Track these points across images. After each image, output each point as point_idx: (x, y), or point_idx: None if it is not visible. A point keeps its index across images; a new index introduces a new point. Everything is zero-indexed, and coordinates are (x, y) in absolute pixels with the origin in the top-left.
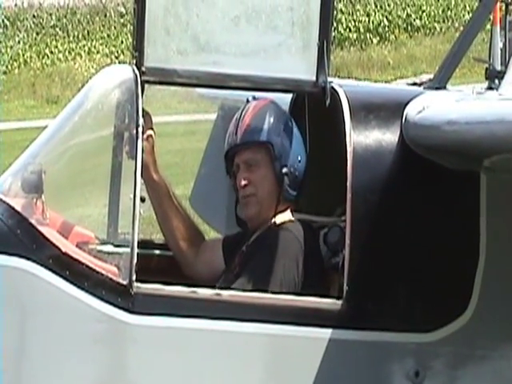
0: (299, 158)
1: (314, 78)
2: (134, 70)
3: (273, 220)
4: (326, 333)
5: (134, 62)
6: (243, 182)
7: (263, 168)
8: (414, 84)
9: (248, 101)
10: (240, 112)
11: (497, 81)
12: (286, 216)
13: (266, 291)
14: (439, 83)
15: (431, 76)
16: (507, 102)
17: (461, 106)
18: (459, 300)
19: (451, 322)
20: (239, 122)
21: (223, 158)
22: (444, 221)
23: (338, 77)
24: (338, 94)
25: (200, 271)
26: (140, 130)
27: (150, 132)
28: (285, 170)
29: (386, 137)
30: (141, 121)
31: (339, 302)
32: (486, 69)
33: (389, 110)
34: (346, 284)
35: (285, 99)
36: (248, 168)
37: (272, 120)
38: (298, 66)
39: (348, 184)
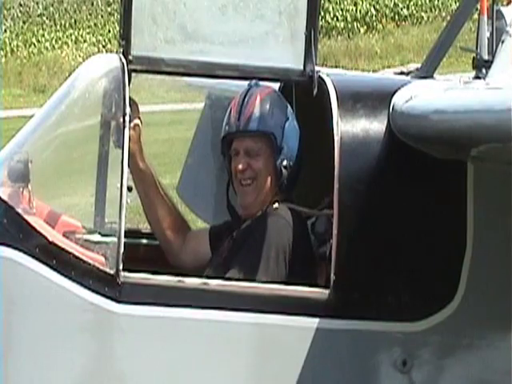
0: (297, 152)
1: (301, 67)
2: (120, 59)
3: (267, 210)
4: (314, 322)
5: (121, 50)
6: (242, 166)
7: (263, 158)
8: (402, 73)
9: (250, 86)
10: (242, 96)
11: (484, 70)
12: (278, 206)
13: (258, 276)
14: (426, 72)
15: (418, 65)
16: (494, 91)
17: (448, 95)
18: (446, 289)
19: (438, 311)
20: (242, 107)
21: (210, 147)
22: (431, 210)
23: (325, 66)
24: (325, 83)
25: (186, 260)
26: (127, 119)
27: (136, 121)
28: (285, 162)
29: (373, 126)
30: (128, 110)
31: (326, 292)
32: (474, 58)
33: (376, 100)
34: (333, 273)
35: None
36: (248, 155)
37: (276, 111)
38: (286, 54)
39: (335, 173)
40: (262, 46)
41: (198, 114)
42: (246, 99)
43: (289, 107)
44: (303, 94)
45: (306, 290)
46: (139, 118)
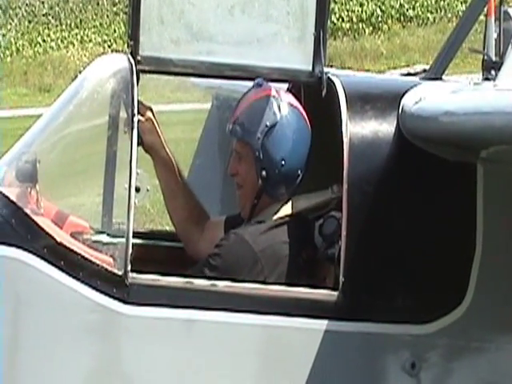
0: (283, 162)
1: (310, 68)
2: (129, 59)
3: (256, 216)
4: (322, 324)
5: (129, 50)
6: (231, 171)
7: (247, 164)
8: (409, 74)
9: (256, 85)
10: (240, 98)
11: (493, 71)
12: (270, 211)
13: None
14: (435, 74)
15: (424, 66)
16: (504, 92)
17: (458, 96)
18: (455, 292)
19: (447, 313)
20: (236, 108)
21: (217, 148)
22: (440, 212)
23: (331, 67)
24: (334, 84)
25: (202, 249)
26: (135, 119)
27: (148, 113)
28: (263, 173)
29: (382, 127)
30: (136, 110)
31: (335, 293)
32: (483, 59)
33: (385, 101)
34: (341, 275)
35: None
36: (237, 158)
37: (260, 118)
38: (294, 55)
39: (344, 175)
40: (270, 46)
41: (204, 114)
42: (239, 101)
43: (282, 112)
44: (312, 95)
45: (314, 292)
46: (150, 110)
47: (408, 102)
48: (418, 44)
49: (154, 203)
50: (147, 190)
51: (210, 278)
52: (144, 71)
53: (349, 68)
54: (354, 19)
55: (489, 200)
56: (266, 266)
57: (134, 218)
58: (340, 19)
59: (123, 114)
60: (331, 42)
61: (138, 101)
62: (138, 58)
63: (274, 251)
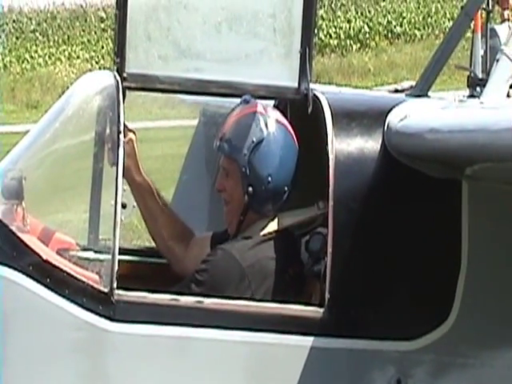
0: (269, 179)
1: (296, 85)
2: (115, 76)
3: (242, 232)
4: (309, 340)
5: (116, 67)
6: (218, 186)
7: (234, 180)
8: (396, 91)
9: (242, 101)
10: (227, 114)
11: (478, 88)
12: (257, 227)
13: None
14: (421, 91)
15: (412, 83)
16: (489, 110)
17: (443, 114)
18: (441, 308)
19: (433, 329)
20: (222, 125)
21: (204, 164)
22: (426, 228)
23: (319, 83)
24: (320, 101)
25: (188, 266)
26: (121, 136)
27: (130, 135)
28: (250, 189)
29: (368, 144)
30: (122, 127)
31: (321, 310)
32: (468, 76)
33: (371, 118)
34: (327, 292)
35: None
36: (224, 174)
37: (247, 135)
38: (280, 72)
39: (330, 191)
40: (256, 63)
41: (192, 130)
42: (226, 118)
43: (269, 129)
44: (298, 112)
45: (301, 309)
46: (133, 132)
47: (393, 119)
48: (406, 61)
49: (142, 219)
50: (133, 207)
51: (197, 294)
52: (130, 88)
53: (336, 84)
54: (342, 36)
55: (474, 216)
56: (253, 281)
57: (120, 235)
58: (327, 36)
59: (109, 131)
60: (319, 59)
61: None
62: (124, 75)
63: (261, 267)
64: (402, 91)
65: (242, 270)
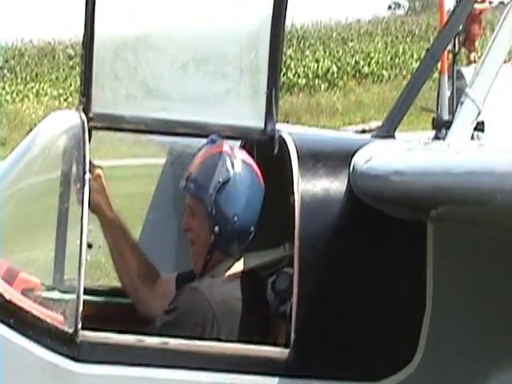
0: (236, 218)
1: (262, 126)
2: (81, 116)
3: (208, 272)
4: (274, 381)
5: (82, 107)
6: (183, 226)
7: (200, 220)
8: (363, 131)
9: (209, 141)
10: (194, 154)
11: (444, 130)
12: (223, 267)
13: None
14: (387, 131)
15: (379, 123)
16: (453, 153)
17: (408, 156)
18: (406, 349)
19: (398, 371)
20: (189, 165)
21: (172, 203)
22: (391, 270)
23: (287, 122)
24: (286, 141)
25: (153, 307)
26: (87, 177)
27: (97, 171)
28: (216, 229)
29: (333, 186)
30: (88, 167)
31: (286, 351)
32: (433, 118)
33: (337, 159)
34: (293, 332)
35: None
36: (191, 213)
37: (213, 175)
38: (247, 112)
39: (296, 232)
40: (223, 103)
41: (159, 168)
42: (193, 157)
43: (236, 169)
44: (265, 152)
45: (266, 349)
46: (100, 168)
47: (359, 161)
48: (374, 100)
49: (109, 257)
50: (99, 247)
51: (166, 335)
52: (96, 128)
53: (304, 124)
54: (310, 75)
55: (439, 258)
56: (220, 320)
57: (87, 274)
58: (296, 75)
59: (75, 171)
60: (287, 98)
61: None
62: (90, 114)
63: (228, 306)
64: (369, 131)
65: (210, 308)
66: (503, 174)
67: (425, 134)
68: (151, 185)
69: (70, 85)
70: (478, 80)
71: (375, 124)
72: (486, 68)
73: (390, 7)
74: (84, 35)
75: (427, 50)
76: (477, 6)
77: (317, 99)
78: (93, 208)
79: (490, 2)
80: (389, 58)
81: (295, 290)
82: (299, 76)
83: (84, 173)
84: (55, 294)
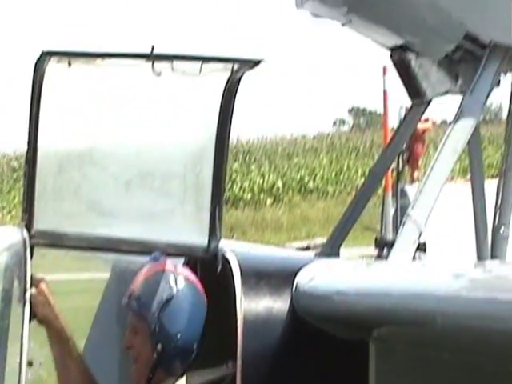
0: (179, 336)
1: (205, 243)
2: (22, 233)
3: None
4: None
5: (24, 223)
6: (125, 344)
7: (143, 337)
8: (308, 247)
9: (152, 259)
10: (137, 271)
11: (386, 249)
12: None
13: None
14: (331, 249)
15: (325, 239)
16: (394, 274)
17: (350, 276)
18: None
19: None
20: (132, 282)
21: (115, 319)
22: None
23: (233, 237)
24: (229, 259)
25: None
26: (28, 295)
27: (42, 285)
28: (159, 347)
29: (276, 304)
30: (28, 285)
31: None
32: (376, 238)
33: (280, 278)
34: None
35: None
36: (133, 331)
37: (156, 292)
38: (191, 230)
39: (238, 350)
40: (167, 220)
41: (103, 283)
42: (136, 275)
43: (184, 283)
44: (208, 270)
45: None
46: (45, 282)
47: (302, 280)
48: (319, 216)
49: (51, 372)
50: (40, 364)
51: None
52: (39, 245)
53: (249, 238)
54: (256, 190)
55: (381, 377)
56: None
57: None
58: (241, 189)
59: (16, 289)
60: (233, 212)
61: (31, 274)
62: (32, 231)
63: None
64: (314, 248)
65: None
66: (443, 297)
67: (369, 249)
68: (96, 300)
69: (14, 197)
70: (421, 199)
71: (320, 240)
72: (429, 187)
73: (334, 123)
74: (27, 151)
75: (370, 170)
76: (420, 125)
77: (262, 214)
78: (40, 320)
79: (434, 122)
80: (334, 174)
81: None
82: (245, 190)
83: (25, 290)
84: None
